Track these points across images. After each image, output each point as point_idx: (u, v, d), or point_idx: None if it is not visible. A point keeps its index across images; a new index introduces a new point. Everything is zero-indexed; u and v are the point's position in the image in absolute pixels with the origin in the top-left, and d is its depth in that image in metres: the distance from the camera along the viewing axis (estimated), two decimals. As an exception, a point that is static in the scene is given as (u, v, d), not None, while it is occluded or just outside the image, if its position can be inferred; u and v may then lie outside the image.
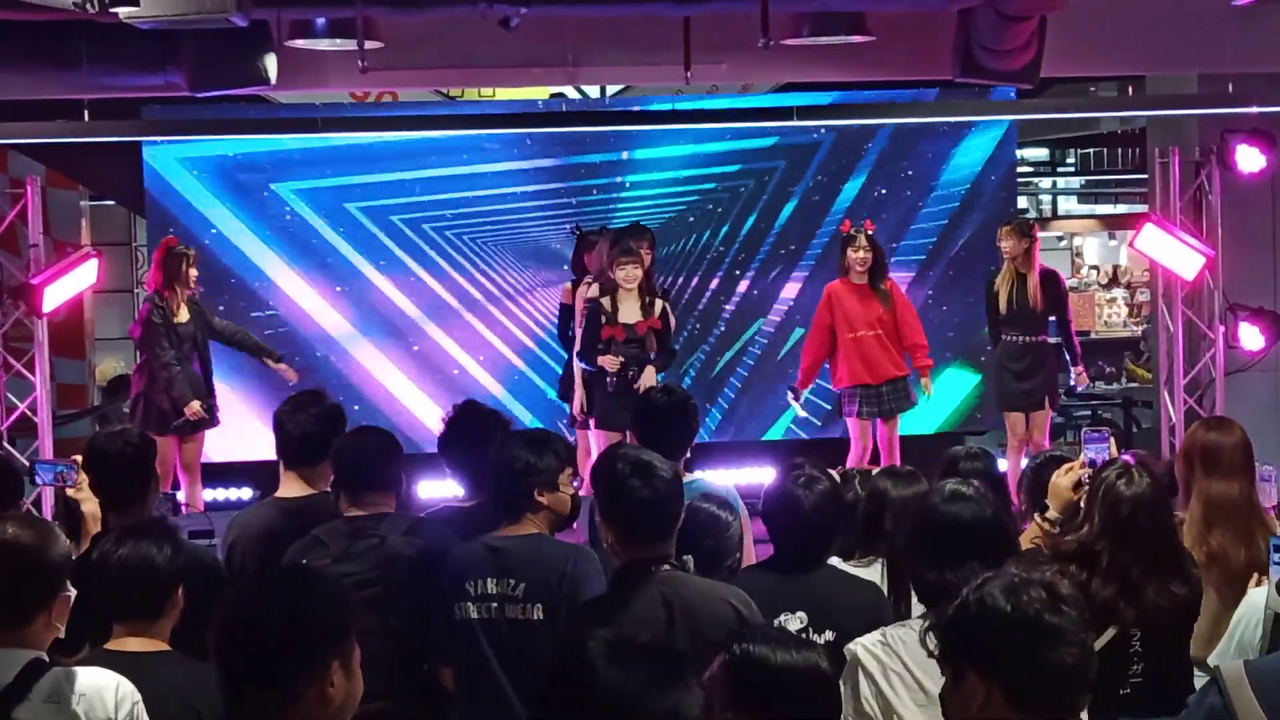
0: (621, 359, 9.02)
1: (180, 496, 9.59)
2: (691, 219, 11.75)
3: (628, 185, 11.67)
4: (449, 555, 4.60)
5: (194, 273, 9.65)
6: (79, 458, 5.33)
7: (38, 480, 5.37)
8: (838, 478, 5.02)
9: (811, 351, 9.94)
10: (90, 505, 5.08)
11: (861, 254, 9.73)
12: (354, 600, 2.87)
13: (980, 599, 2.60)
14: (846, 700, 3.62)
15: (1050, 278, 10.16)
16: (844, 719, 3.62)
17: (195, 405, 9.40)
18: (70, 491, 5.17)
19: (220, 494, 10.61)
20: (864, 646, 3.71)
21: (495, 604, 4.43)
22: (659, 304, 9.24)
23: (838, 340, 9.81)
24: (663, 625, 4.00)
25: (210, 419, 9.69)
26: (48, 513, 8.28)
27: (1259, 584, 4.48)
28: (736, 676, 2.87)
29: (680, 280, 11.75)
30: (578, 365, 9.51)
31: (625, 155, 11.66)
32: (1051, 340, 10.28)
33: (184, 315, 9.57)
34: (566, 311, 10.23)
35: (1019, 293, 9.99)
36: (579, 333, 9.47)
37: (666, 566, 4.11)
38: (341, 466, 5.09)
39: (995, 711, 2.56)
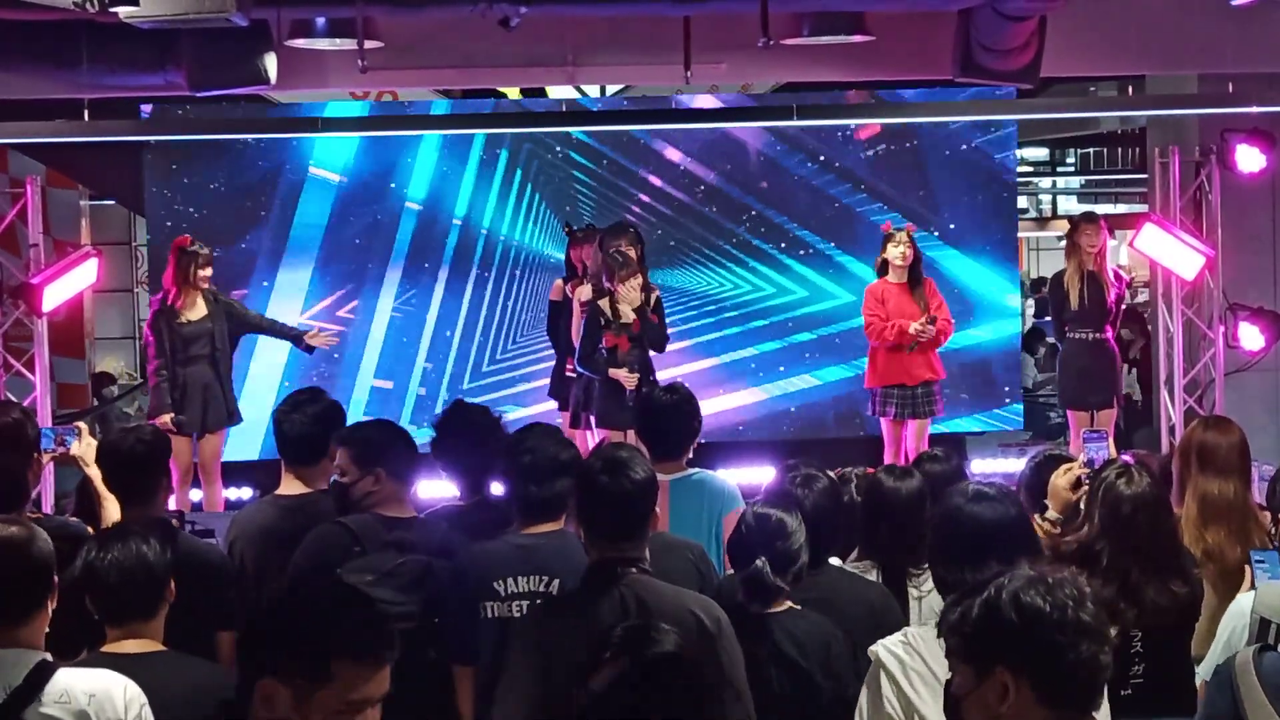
0: (637, 375, 8.86)
1: (197, 496, 9.60)
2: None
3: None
4: (470, 555, 4.53)
5: (204, 273, 9.36)
6: (82, 425, 5.74)
7: (42, 445, 5.59)
8: (836, 477, 4.99)
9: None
10: (94, 469, 5.35)
11: (902, 249, 9.64)
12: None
13: (1015, 597, 2.61)
14: (869, 701, 3.61)
15: (1117, 275, 10.29)
16: (862, 718, 3.62)
17: (165, 418, 9.22)
18: (74, 450, 5.58)
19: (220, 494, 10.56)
20: (885, 647, 3.68)
21: (526, 602, 4.38)
22: (653, 297, 9.14)
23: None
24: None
25: (211, 423, 9.55)
26: (48, 512, 8.28)
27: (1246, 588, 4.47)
28: None
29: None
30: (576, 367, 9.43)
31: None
32: (1113, 338, 10.32)
33: (197, 313, 9.38)
34: (555, 309, 10.19)
35: (1091, 289, 10.03)
36: (575, 334, 9.42)
37: (634, 569, 4.00)
38: (393, 457, 5.03)
39: (1022, 708, 2.58)
